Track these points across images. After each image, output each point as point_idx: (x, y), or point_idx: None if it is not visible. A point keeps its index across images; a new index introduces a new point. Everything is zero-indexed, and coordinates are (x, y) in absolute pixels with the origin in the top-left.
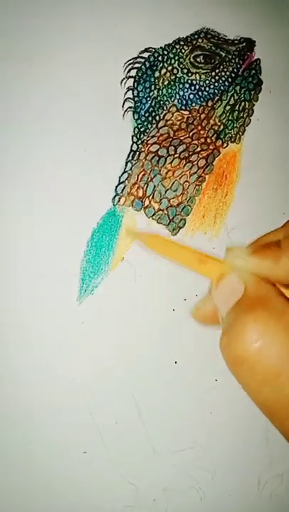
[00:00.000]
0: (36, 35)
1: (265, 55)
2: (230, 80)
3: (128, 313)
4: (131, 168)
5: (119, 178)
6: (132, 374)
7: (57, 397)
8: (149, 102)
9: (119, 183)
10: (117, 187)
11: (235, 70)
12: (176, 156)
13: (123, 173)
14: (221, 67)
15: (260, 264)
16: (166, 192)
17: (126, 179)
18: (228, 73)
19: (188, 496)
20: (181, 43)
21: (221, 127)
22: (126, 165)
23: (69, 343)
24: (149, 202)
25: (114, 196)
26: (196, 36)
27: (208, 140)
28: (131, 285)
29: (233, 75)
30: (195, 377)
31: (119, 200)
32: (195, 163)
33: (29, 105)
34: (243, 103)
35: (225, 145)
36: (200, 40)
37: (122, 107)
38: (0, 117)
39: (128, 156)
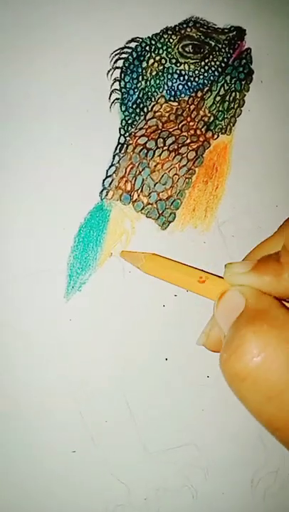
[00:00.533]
0: (22, 29)
1: (256, 44)
2: (220, 69)
3: (117, 310)
4: (118, 162)
5: (107, 171)
6: (121, 371)
7: (45, 396)
8: (137, 93)
9: (107, 177)
10: (104, 181)
11: (225, 60)
12: (165, 148)
13: (110, 167)
14: (211, 56)
15: (261, 281)
16: (155, 185)
17: (113, 172)
18: (217, 63)
19: (181, 494)
20: (169, 32)
21: (211, 118)
22: (113, 158)
23: (57, 341)
24: (138, 196)
25: (102, 190)
26: (184, 25)
27: (198, 132)
28: (120, 281)
29: (223, 65)
30: (186, 375)
31: (106, 194)
32: (184, 155)
33: (12, 98)
34: (233, 93)
35: (215, 136)
36: (188, 30)
37: (109, 98)
38: None
39: (115, 148)
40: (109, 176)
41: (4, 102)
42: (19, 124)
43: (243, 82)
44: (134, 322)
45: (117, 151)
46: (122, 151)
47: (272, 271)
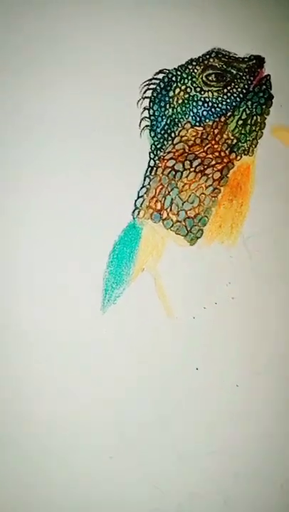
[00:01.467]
0: (55, 64)
1: (275, 70)
2: (241, 95)
3: (149, 322)
4: (149, 183)
5: (138, 192)
6: (154, 381)
7: (82, 405)
8: (165, 120)
9: (138, 197)
10: (136, 201)
11: (246, 86)
12: (191, 169)
13: (142, 188)
14: (233, 84)
15: None
16: (183, 204)
17: (145, 193)
18: (239, 89)
19: (213, 499)
20: (194, 63)
21: (234, 141)
22: (144, 180)
23: (93, 351)
24: (167, 214)
25: (134, 210)
26: (207, 56)
27: (222, 154)
28: (151, 295)
29: (244, 91)
30: (216, 383)
31: (138, 213)
32: (210, 176)
33: (56, 124)
34: (254, 117)
35: (238, 158)
36: (211, 60)
37: (139, 126)
38: (25, 131)
39: (146, 171)
40: (141, 196)
41: (47, 123)
42: (68, 150)
43: (264, 107)
44: (166, 333)
45: (148, 173)
46: (152, 174)
47: None
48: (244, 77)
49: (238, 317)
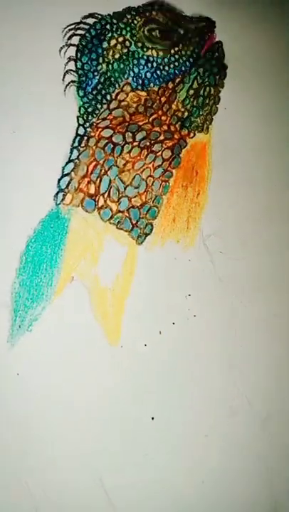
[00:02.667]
0: None
1: (228, 38)
2: (191, 60)
3: (81, 356)
4: (78, 157)
5: (63, 168)
6: (94, 445)
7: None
8: (97, 77)
9: (63, 175)
10: (59, 180)
11: (196, 51)
12: (135, 144)
13: (68, 163)
14: (181, 45)
15: None
16: (125, 189)
17: (72, 170)
18: (188, 53)
19: None
20: (133, 12)
21: (186, 114)
22: (71, 152)
23: (0, 405)
24: (105, 201)
25: (57, 193)
26: (149, 7)
27: (172, 128)
28: (85, 316)
29: (194, 55)
30: (176, 438)
31: (63, 198)
32: (159, 154)
33: None
34: (207, 88)
35: (192, 135)
36: (154, 13)
37: (63, 80)
38: None
39: (73, 141)
40: (67, 174)
41: None
42: None
43: (217, 77)
44: (106, 370)
45: (76, 143)
46: (82, 145)
47: None
48: (193, 40)
49: (201, 341)
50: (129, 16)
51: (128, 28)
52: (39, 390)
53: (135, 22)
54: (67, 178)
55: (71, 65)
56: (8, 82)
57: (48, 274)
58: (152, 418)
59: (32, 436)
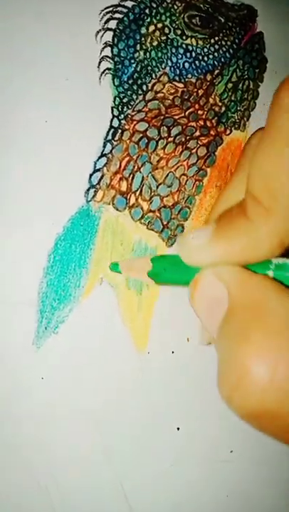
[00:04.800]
0: None
1: (269, 30)
2: (231, 51)
3: (109, 361)
4: (111, 151)
5: (95, 163)
6: (120, 453)
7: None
8: (134, 65)
9: (95, 171)
10: (91, 176)
11: (236, 41)
12: (170, 139)
13: (100, 157)
14: (221, 34)
15: (230, 254)
16: (158, 187)
17: (104, 165)
18: (228, 43)
19: None
20: None
21: (223, 109)
22: (104, 146)
23: (24, 410)
24: (136, 199)
25: (88, 189)
26: None
27: (208, 123)
28: (112, 319)
29: (234, 46)
30: (204, 450)
31: (95, 195)
32: (194, 151)
33: None
34: (246, 82)
35: (228, 132)
36: None
37: (98, 67)
38: None
39: (107, 133)
40: (99, 169)
41: None
42: None
43: (257, 70)
44: (133, 376)
45: (110, 136)
46: (116, 138)
47: (241, 233)
48: (234, 29)
49: None
50: (169, 0)
51: (168, 14)
52: (64, 395)
53: (175, 7)
54: (99, 174)
55: (107, 51)
56: (43, 66)
57: (76, 275)
58: (178, 428)
59: (56, 441)
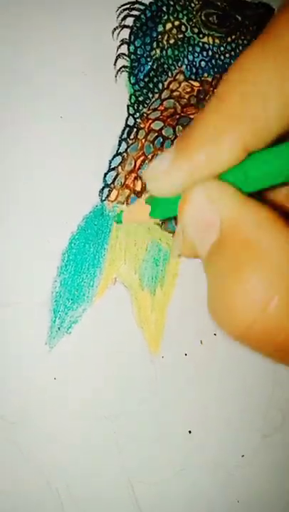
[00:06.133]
0: None
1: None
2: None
3: (123, 363)
4: (126, 150)
5: (110, 162)
6: (127, 459)
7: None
8: (150, 63)
9: (110, 170)
10: (106, 175)
11: (253, 40)
12: None
13: (115, 156)
14: (238, 33)
15: (194, 170)
16: None
17: (119, 164)
18: (245, 42)
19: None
20: None
21: None
22: (119, 144)
23: (36, 412)
24: None
25: (103, 188)
26: None
27: None
28: (126, 320)
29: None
30: (216, 453)
31: (109, 194)
32: None
33: None
34: None
35: None
36: None
37: (114, 65)
38: None
39: (123, 132)
40: (114, 168)
41: None
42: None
43: None
44: (147, 378)
45: (125, 135)
46: (132, 137)
47: (201, 144)
48: (251, 28)
49: (244, 355)
50: None
51: (185, 12)
52: (76, 396)
53: (192, 5)
54: (113, 173)
55: (124, 49)
56: (60, 60)
57: (89, 274)
58: (189, 432)
59: (68, 442)
